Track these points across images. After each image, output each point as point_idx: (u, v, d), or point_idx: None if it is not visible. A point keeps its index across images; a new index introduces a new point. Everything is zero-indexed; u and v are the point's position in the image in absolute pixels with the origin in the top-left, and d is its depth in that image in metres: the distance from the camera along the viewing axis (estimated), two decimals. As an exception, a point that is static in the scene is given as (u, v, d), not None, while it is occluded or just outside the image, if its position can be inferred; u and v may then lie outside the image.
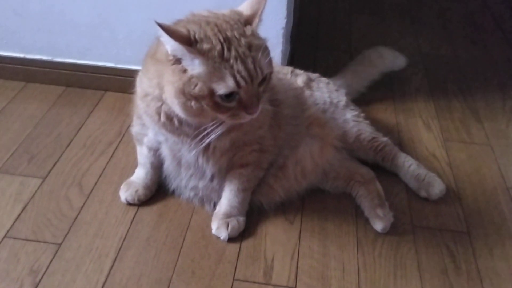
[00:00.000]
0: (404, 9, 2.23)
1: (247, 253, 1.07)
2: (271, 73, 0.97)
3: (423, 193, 1.23)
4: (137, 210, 1.15)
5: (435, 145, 1.41)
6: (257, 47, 0.91)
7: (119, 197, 1.17)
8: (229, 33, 0.90)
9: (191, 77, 0.88)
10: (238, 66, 0.88)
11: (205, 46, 0.88)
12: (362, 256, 1.08)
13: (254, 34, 0.93)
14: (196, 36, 0.88)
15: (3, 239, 1.06)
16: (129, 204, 1.17)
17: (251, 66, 0.89)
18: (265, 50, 0.94)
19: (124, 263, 1.03)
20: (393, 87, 1.65)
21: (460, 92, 1.67)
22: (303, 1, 1.90)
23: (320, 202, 1.20)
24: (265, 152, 1.12)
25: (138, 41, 1.43)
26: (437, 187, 1.22)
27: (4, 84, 1.54)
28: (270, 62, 0.95)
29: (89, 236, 1.09)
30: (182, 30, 0.89)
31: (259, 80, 0.92)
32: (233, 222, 1.10)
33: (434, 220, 1.18)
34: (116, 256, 1.05)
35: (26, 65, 1.53)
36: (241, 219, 1.12)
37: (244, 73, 0.88)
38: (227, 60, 0.88)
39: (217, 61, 0.88)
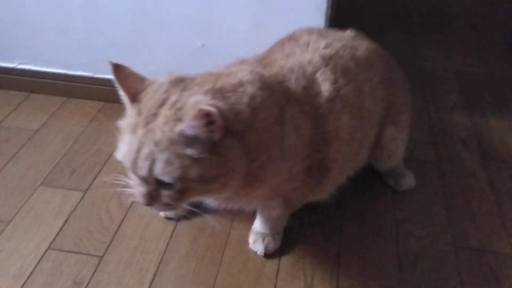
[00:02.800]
0: (435, 26, 2.23)
1: (286, 271, 1.07)
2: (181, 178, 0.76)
3: (391, 182, 1.28)
4: (176, 224, 1.17)
5: (475, 164, 1.39)
6: (162, 147, 0.75)
7: (157, 212, 1.19)
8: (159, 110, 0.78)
9: None
10: (123, 145, 0.80)
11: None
12: (403, 275, 1.06)
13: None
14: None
15: (46, 250, 1.09)
16: (167, 218, 1.18)
17: (134, 156, 0.78)
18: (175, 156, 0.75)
19: (164, 278, 1.04)
20: (428, 105, 1.64)
21: (498, 110, 1.64)
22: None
23: (359, 219, 1.19)
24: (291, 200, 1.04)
25: (175, 59, 1.47)
26: (408, 180, 1.28)
27: (46, 99, 1.58)
28: (172, 170, 0.75)
29: (129, 250, 1.10)
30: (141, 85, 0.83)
31: (144, 179, 0.79)
32: (268, 239, 1.10)
33: (476, 240, 1.15)
34: (156, 271, 1.06)
35: (67, 81, 1.58)
36: (277, 236, 1.11)
37: (126, 158, 0.80)
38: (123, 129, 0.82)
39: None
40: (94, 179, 1.29)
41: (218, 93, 0.80)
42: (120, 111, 1.62)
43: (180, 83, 0.83)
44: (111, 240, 1.12)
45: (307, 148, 0.93)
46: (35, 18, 1.46)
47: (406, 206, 1.23)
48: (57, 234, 1.13)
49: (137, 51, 1.49)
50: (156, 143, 0.76)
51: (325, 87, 0.95)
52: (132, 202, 1.21)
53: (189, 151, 0.75)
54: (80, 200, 1.22)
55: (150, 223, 1.17)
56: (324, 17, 1.34)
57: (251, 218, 1.17)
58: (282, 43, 1.09)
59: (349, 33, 1.12)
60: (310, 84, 0.95)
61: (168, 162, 0.75)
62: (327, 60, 0.99)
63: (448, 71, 1.86)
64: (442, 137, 1.49)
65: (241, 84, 0.84)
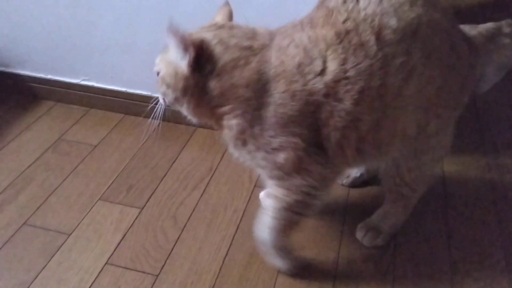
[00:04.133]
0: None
1: (339, 303, 1.06)
2: None
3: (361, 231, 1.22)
4: (229, 247, 1.18)
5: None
6: None
7: (212, 233, 1.21)
8: None
9: None
10: None
11: None
12: (460, 318, 1.04)
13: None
14: None
15: (104, 265, 1.12)
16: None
17: None
18: None
19: (217, 301, 1.06)
20: (484, 140, 1.61)
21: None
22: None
23: (413, 256, 1.17)
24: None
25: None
26: (380, 240, 1.20)
27: (105, 115, 1.65)
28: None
29: (184, 270, 1.12)
30: None
31: None
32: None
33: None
34: (210, 293, 1.07)
35: (126, 99, 1.64)
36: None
37: None
38: None
39: None
40: (150, 197, 1.32)
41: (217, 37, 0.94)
42: (173, 130, 1.66)
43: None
44: (166, 259, 1.14)
45: (294, 124, 0.93)
46: (104, 38, 1.52)
47: (462, 245, 1.21)
48: (115, 249, 1.16)
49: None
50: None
51: (331, 67, 0.90)
52: (187, 222, 1.24)
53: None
54: (137, 217, 1.26)
55: (204, 244, 1.18)
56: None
57: (305, 251, 1.17)
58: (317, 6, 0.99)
59: None
60: (309, 64, 0.91)
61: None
62: (342, 37, 0.91)
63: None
64: (499, 175, 1.46)
65: (250, 47, 0.94)
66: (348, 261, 1.15)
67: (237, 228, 1.23)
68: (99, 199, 1.31)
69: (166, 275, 1.11)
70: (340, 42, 0.89)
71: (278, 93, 0.91)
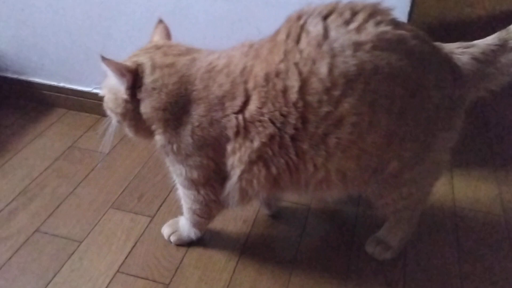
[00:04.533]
0: None
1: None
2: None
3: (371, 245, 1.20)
4: (239, 257, 1.18)
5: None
6: None
7: (222, 243, 1.21)
8: None
9: None
10: None
11: None
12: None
13: None
14: None
15: (116, 273, 1.12)
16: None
17: None
18: None
19: (228, 311, 1.06)
20: (493, 153, 1.61)
21: None
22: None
23: (423, 270, 1.17)
24: None
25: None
26: (389, 253, 1.18)
27: (116, 123, 1.66)
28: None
29: (194, 280, 1.12)
30: None
31: None
32: None
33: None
34: (220, 303, 1.07)
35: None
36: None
37: None
38: None
39: None
40: (161, 205, 1.33)
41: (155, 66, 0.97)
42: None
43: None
44: (177, 269, 1.15)
45: (209, 148, 0.98)
46: (117, 46, 1.54)
47: (472, 258, 1.20)
48: (126, 257, 1.16)
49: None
50: None
51: (250, 107, 0.91)
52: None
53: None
54: (148, 225, 1.26)
55: (214, 254, 1.19)
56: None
57: (315, 263, 1.18)
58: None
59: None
60: (231, 99, 0.93)
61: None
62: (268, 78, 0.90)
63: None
64: (509, 191, 1.46)
65: (172, 65, 0.97)
66: (358, 274, 1.15)
67: (247, 237, 1.24)
68: (110, 207, 1.31)
69: (177, 284, 1.11)
70: (267, 84, 0.89)
71: (197, 115, 0.95)
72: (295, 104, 0.87)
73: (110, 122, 1.08)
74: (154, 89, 0.96)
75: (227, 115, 0.93)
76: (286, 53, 0.88)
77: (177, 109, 0.96)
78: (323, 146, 0.90)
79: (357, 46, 0.84)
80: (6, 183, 1.37)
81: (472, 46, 0.97)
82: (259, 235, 1.25)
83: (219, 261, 1.17)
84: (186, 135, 0.96)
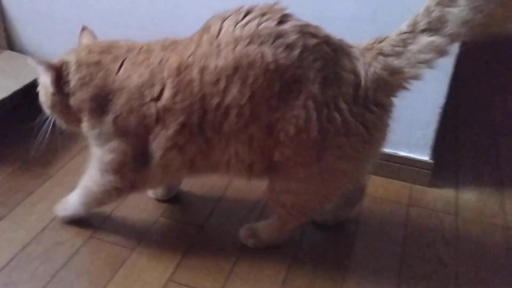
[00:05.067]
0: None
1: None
2: None
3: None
4: (289, 269, 1.18)
5: None
6: None
7: (271, 255, 1.22)
8: None
9: None
10: None
11: None
12: None
13: None
14: None
15: (167, 282, 1.14)
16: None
17: None
18: None
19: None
20: (501, 174, 1.56)
21: None
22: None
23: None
24: None
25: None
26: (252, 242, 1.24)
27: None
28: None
29: (244, 290, 1.13)
30: None
31: None
32: None
33: None
34: (270, 317, 1.08)
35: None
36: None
37: None
38: None
39: None
40: (210, 215, 1.35)
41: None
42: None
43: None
44: (226, 280, 1.15)
45: (128, 134, 1.06)
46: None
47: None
48: (177, 266, 1.18)
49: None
50: None
51: (165, 95, 1.00)
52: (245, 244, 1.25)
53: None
54: (196, 235, 1.28)
55: (264, 266, 1.19)
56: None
57: (359, 274, 1.17)
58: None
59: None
60: (149, 87, 1.02)
61: None
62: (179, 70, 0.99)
63: None
64: None
65: (97, 62, 1.07)
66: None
67: (297, 250, 1.24)
68: (160, 215, 1.34)
69: (227, 295, 1.12)
70: (178, 75, 0.98)
71: (119, 104, 1.04)
72: (197, 95, 0.97)
73: (47, 117, 1.17)
74: (82, 84, 1.07)
75: (146, 103, 1.02)
76: (194, 49, 0.98)
77: (102, 100, 1.06)
78: (221, 134, 1.00)
79: (237, 41, 0.92)
80: (62, 190, 1.41)
81: (385, 39, 0.96)
82: (309, 246, 1.25)
83: (268, 274, 1.17)
84: (109, 122, 1.06)
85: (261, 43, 0.91)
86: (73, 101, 1.09)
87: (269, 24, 0.92)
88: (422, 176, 1.48)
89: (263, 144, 0.99)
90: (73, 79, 1.08)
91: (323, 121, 0.94)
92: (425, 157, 1.46)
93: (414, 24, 0.91)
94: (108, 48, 1.09)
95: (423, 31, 0.90)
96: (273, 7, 0.96)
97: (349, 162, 1.00)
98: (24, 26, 1.70)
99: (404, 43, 0.92)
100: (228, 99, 0.95)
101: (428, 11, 0.89)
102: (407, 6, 1.00)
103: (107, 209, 1.35)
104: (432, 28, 0.89)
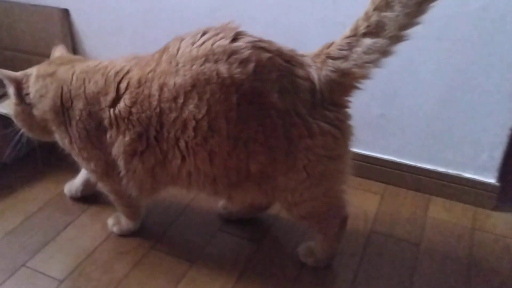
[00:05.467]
0: None
1: None
2: None
3: None
4: (356, 276, 1.16)
5: None
6: None
7: (331, 275, 1.19)
8: None
9: None
10: None
11: None
12: None
13: None
14: None
15: (227, 298, 1.15)
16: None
17: None
18: None
19: None
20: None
21: None
22: None
23: None
24: None
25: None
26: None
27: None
28: None
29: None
30: None
31: None
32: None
33: None
34: None
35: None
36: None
37: None
38: None
39: None
40: (266, 231, 1.34)
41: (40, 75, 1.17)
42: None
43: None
44: (286, 298, 1.15)
45: (93, 138, 1.12)
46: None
47: None
48: (236, 282, 1.18)
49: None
50: None
51: (121, 104, 1.07)
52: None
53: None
54: (255, 251, 1.28)
55: (324, 286, 1.18)
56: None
57: None
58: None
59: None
60: (104, 94, 1.09)
61: None
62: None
63: None
64: None
65: (53, 73, 1.16)
66: None
67: (356, 273, 1.21)
68: (218, 229, 1.35)
69: (287, 314, 1.11)
70: (138, 87, 1.04)
71: (78, 109, 1.11)
72: (155, 109, 1.03)
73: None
74: (41, 96, 1.16)
75: (103, 108, 1.09)
76: (154, 66, 1.04)
77: (62, 108, 1.13)
78: (177, 148, 1.04)
79: (193, 61, 0.98)
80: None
81: (332, 44, 1.00)
82: (370, 270, 1.22)
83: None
84: (73, 129, 1.13)
85: (216, 61, 0.97)
86: (36, 112, 1.18)
87: (223, 43, 0.98)
88: (487, 199, 1.42)
89: (229, 158, 1.02)
90: (32, 91, 1.17)
91: (287, 127, 0.98)
92: (491, 180, 1.41)
93: (356, 28, 0.96)
94: (69, 61, 1.18)
95: (365, 34, 0.95)
96: (226, 26, 1.02)
97: (330, 161, 1.03)
98: (91, 39, 1.76)
99: (349, 46, 0.97)
100: (185, 114, 1.00)
101: (367, 16, 0.94)
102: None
103: (167, 220, 1.37)
104: (372, 31, 0.94)
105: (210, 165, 1.03)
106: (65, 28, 1.72)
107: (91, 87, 1.10)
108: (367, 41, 0.95)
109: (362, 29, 0.95)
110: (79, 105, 1.11)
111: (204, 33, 1.01)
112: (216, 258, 1.25)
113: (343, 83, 0.99)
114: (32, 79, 1.17)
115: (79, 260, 1.23)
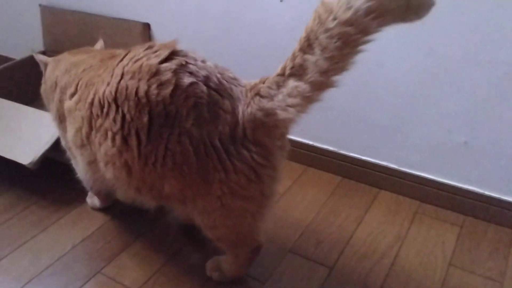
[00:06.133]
0: None
1: None
2: None
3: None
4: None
5: None
6: None
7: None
8: None
9: None
10: None
11: None
12: None
13: None
14: None
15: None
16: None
17: None
18: None
19: None
20: None
21: None
22: None
23: None
24: None
25: (433, 151, 1.45)
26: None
27: (289, 165, 1.69)
28: None
29: None
30: None
31: None
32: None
33: None
34: None
35: (312, 152, 1.67)
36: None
37: None
38: None
39: None
40: (338, 257, 1.31)
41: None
42: (356, 189, 1.62)
43: None
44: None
45: (62, 122, 1.24)
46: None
47: None
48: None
49: (393, 135, 1.50)
50: None
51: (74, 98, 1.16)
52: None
53: None
54: (327, 276, 1.24)
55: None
56: None
57: None
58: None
59: None
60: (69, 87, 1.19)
61: None
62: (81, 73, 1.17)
63: None
64: None
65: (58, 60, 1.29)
66: None
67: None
68: (288, 250, 1.33)
69: None
70: (86, 87, 1.11)
71: (57, 94, 1.24)
72: (87, 111, 1.08)
73: None
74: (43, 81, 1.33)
75: (66, 99, 1.18)
76: (102, 71, 1.09)
77: (54, 88, 1.25)
78: (100, 154, 1.07)
79: (123, 75, 1.00)
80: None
81: (266, 79, 0.94)
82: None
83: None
84: (53, 107, 1.26)
85: (139, 79, 0.97)
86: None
87: (152, 61, 0.97)
88: None
89: (143, 174, 1.01)
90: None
91: (201, 156, 0.95)
92: None
93: (284, 67, 0.90)
94: (80, 52, 1.28)
95: (290, 75, 0.89)
96: (169, 44, 1.01)
97: (243, 199, 1.00)
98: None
99: (277, 85, 0.92)
100: (107, 123, 1.02)
101: (293, 56, 0.88)
102: None
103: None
104: (296, 73, 0.88)
105: (128, 176, 1.04)
106: (145, 42, 1.78)
107: (64, 79, 1.21)
108: (291, 83, 0.89)
109: (288, 70, 0.89)
110: (57, 91, 1.23)
111: (147, 48, 1.02)
112: (288, 280, 1.23)
113: (267, 123, 0.93)
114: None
115: (152, 271, 1.24)
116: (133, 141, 0.98)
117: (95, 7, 1.88)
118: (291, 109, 0.90)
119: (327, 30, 0.81)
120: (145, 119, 0.96)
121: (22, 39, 2.17)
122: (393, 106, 1.47)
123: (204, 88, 0.95)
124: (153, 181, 1.02)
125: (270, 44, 1.57)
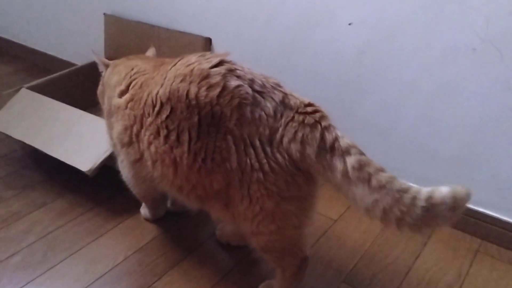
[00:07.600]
0: None
1: None
2: None
3: None
4: None
5: None
6: None
7: None
8: None
9: None
10: None
11: None
12: None
13: None
14: None
15: None
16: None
17: None
18: None
19: None
20: None
21: None
22: None
23: None
24: None
25: (496, 186, 1.38)
26: None
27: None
28: None
29: None
30: None
31: None
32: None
33: None
34: None
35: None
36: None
37: None
38: None
39: None
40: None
41: None
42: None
43: None
44: None
45: (112, 116, 1.26)
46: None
47: None
48: None
49: (459, 169, 1.44)
50: None
51: (125, 96, 1.21)
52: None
53: None
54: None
55: None
56: None
57: None
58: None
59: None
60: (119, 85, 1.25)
61: None
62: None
63: None
64: None
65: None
66: None
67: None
68: (342, 281, 1.28)
69: None
70: (139, 88, 1.16)
71: (108, 93, 1.30)
72: (140, 110, 1.13)
73: None
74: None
75: (115, 96, 1.23)
76: (156, 75, 1.14)
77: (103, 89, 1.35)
78: (149, 152, 1.11)
79: (176, 77, 1.06)
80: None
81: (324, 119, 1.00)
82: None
83: None
84: (105, 104, 1.31)
85: (190, 82, 1.03)
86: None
87: (204, 66, 1.04)
88: None
89: (190, 171, 1.05)
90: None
91: (240, 154, 0.99)
92: None
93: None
94: (133, 58, 1.32)
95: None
96: (220, 54, 1.08)
97: (281, 202, 1.00)
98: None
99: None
100: (158, 121, 1.07)
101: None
102: None
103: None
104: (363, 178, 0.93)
105: (173, 174, 1.08)
106: (205, 56, 1.79)
107: (114, 79, 1.27)
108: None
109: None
110: (108, 89, 1.30)
111: (200, 56, 1.09)
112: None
113: (298, 161, 0.98)
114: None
115: (203, 289, 1.23)
116: (185, 138, 1.04)
117: (159, 19, 1.91)
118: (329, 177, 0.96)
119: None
120: (195, 119, 1.02)
121: (85, 46, 2.23)
122: (462, 137, 1.41)
123: (249, 89, 1.01)
124: (200, 178, 1.05)
125: (334, 67, 1.54)
